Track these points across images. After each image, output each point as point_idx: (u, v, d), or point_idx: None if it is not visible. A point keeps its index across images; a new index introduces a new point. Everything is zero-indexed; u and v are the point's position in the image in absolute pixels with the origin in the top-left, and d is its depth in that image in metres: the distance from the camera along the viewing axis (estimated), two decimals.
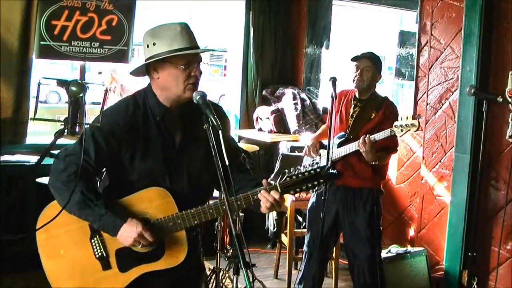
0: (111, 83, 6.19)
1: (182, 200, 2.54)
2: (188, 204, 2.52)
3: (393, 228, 5.77)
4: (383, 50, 10.66)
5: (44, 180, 4.59)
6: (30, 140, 5.66)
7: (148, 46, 2.54)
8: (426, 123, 5.29)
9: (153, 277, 2.58)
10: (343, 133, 4.33)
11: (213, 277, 4.55)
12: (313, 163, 4.53)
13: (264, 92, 7.05)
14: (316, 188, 2.53)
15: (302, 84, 7.16)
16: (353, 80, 4.30)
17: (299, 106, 6.70)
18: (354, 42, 10.04)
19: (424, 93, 5.37)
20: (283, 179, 2.52)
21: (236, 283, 4.85)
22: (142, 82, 2.79)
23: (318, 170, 2.52)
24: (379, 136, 4.04)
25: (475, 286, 4.63)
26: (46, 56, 5.71)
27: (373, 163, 4.15)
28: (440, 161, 5.21)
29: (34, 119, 2.13)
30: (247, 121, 7.12)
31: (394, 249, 5.08)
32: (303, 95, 6.87)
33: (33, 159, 5.38)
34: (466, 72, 4.77)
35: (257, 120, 6.95)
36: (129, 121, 2.55)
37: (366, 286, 4.33)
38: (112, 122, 2.53)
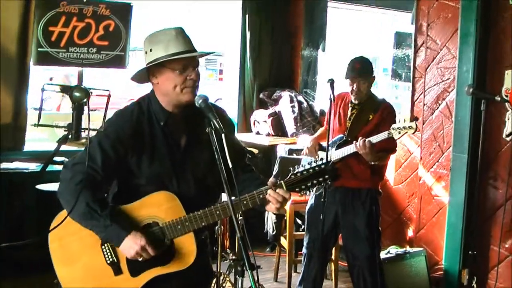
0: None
1: (189, 203, 2.56)
2: (195, 206, 2.55)
3: (392, 229, 5.79)
4: (378, 52, 10.72)
5: (44, 186, 4.61)
6: (28, 147, 5.66)
7: (146, 53, 2.57)
8: (423, 124, 5.32)
9: (163, 281, 2.60)
10: (341, 135, 4.35)
11: (214, 281, 4.56)
12: (311, 162, 4.53)
13: (261, 95, 7.06)
14: (322, 184, 2.53)
15: (299, 87, 7.18)
16: (351, 93, 4.33)
17: (296, 109, 6.72)
18: (350, 44, 10.08)
19: (421, 93, 5.40)
20: (288, 176, 2.53)
21: (236, 286, 4.86)
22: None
23: (323, 166, 2.53)
24: (377, 138, 4.06)
25: (474, 285, 4.66)
26: (43, 63, 5.71)
27: (373, 163, 4.17)
28: (437, 161, 5.24)
29: (38, 125, 2.14)
30: (245, 125, 7.13)
31: (393, 250, 5.09)
32: (300, 98, 6.89)
33: (31, 166, 5.38)
34: (462, 72, 4.80)
35: (254, 123, 6.97)
36: (135, 127, 2.57)
37: (366, 287, 4.33)
38: (118, 129, 2.56)
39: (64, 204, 2.54)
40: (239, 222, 2.23)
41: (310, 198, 4.57)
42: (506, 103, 4.52)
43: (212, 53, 2.81)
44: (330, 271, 5.32)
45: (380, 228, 4.43)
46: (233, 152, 2.33)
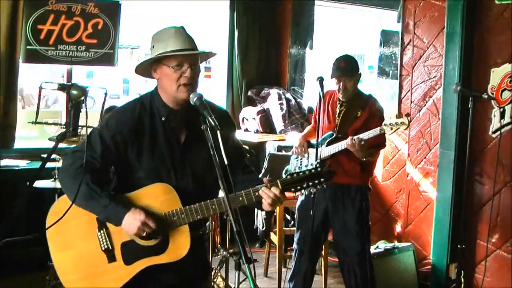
0: None
1: (186, 197, 2.60)
2: (193, 201, 2.59)
3: (380, 224, 5.86)
4: (364, 49, 10.78)
5: (36, 184, 4.60)
6: (18, 144, 5.65)
7: (151, 49, 2.66)
8: (410, 121, 5.37)
9: (157, 273, 2.64)
10: (331, 132, 4.40)
11: None
12: (307, 164, 4.57)
13: (249, 93, 7.10)
14: (317, 187, 2.59)
15: (287, 84, 7.23)
16: (338, 91, 4.38)
17: (284, 106, 6.77)
18: (337, 41, 10.13)
19: (408, 91, 5.47)
20: (284, 177, 2.59)
21: (227, 282, 4.91)
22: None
23: (319, 169, 2.58)
24: (369, 135, 4.11)
25: (462, 279, 4.73)
26: (32, 61, 5.71)
27: (364, 159, 4.22)
28: (425, 158, 5.31)
29: (35, 122, 2.16)
30: None
31: (382, 245, 5.16)
32: (288, 95, 6.94)
33: (21, 163, 5.38)
34: (449, 70, 4.87)
35: (243, 120, 7.01)
36: (136, 121, 2.64)
37: (356, 281, 4.38)
38: (119, 122, 2.63)
39: (65, 189, 2.61)
40: (238, 215, 2.27)
41: (300, 194, 4.61)
42: (493, 101, 4.61)
43: (208, 52, 2.86)
44: (320, 266, 5.37)
45: (370, 223, 4.49)
46: (233, 152, 2.38)
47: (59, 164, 4.14)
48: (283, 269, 5.32)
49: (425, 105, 5.29)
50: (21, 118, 5.76)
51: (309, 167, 2.63)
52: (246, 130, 6.96)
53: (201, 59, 2.70)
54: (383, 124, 4.06)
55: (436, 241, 5.06)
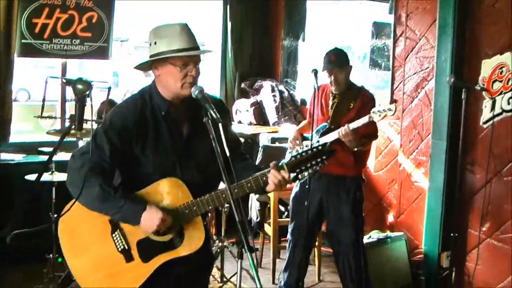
0: None
1: (192, 189, 2.64)
2: (199, 192, 2.63)
3: (373, 214, 5.92)
4: (356, 41, 10.82)
5: (32, 177, 4.63)
6: (13, 138, 5.68)
7: (150, 44, 2.65)
8: (403, 112, 5.45)
9: (170, 266, 2.66)
10: (325, 123, 4.44)
11: None
12: (308, 145, 4.61)
13: (242, 85, 7.15)
14: (320, 165, 2.64)
15: (280, 76, 7.27)
16: (330, 84, 4.43)
17: (277, 98, 6.82)
18: (329, 33, 10.17)
19: (400, 82, 5.53)
20: (289, 159, 2.65)
21: (223, 272, 4.97)
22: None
23: (320, 147, 2.64)
24: (357, 123, 4.16)
25: (453, 268, 4.81)
26: (27, 55, 5.72)
27: (356, 149, 4.27)
28: (417, 148, 5.37)
29: (41, 117, 2.20)
30: None
31: (375, 235, 5.23)
32: (281, 87, 6.99)
33: (17, 157, 5.40)
34: (441, 62, 4.92)
35: (236, 112, 7.05)
36: (139, 117, 2.65)
37: (350, 271, 4.43)
38: (124, 119, 2.63)
39: (75, 193, 2.58)
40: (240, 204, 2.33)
41: (294, 185, 4.66)
42: (484, 92, 4.68)
43: (210, 51, 2.90)
44: (313, 257, 5.44)
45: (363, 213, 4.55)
46: (230, 141, 2.42)
47: (57, 157, 4.16)
48: (277, 260, 5.39)
49: (417, 96, 5.34)
50: (16, 112, 5.78)
51: (310, 147, 2.70)
52: (240, 122, 7.00)
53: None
54: (371, 111, 4.11)
55: (428, 230, 5.13)
